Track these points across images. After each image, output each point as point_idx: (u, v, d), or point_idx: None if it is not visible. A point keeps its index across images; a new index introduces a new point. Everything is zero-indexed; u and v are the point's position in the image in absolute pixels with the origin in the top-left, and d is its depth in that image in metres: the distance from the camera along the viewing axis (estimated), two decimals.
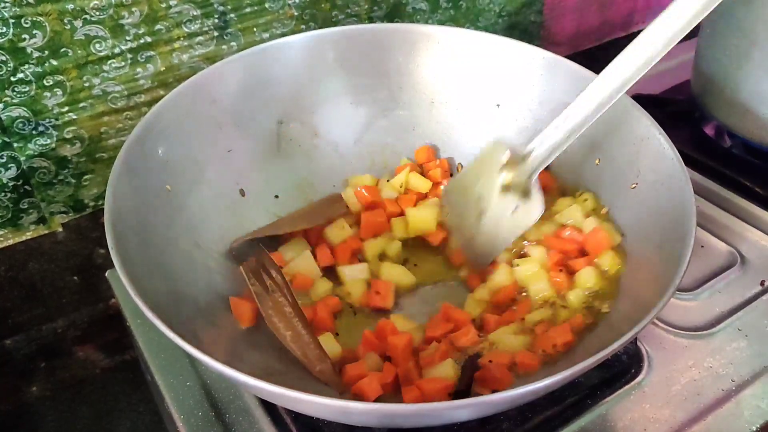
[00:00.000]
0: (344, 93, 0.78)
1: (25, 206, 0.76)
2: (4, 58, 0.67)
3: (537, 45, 0.74)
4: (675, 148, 0.62)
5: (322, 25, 0.85)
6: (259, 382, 0.45)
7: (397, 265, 0.70)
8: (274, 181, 0.74)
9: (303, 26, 0.84)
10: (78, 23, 0.69)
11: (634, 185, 0.65)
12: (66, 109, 0.73)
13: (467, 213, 0.69)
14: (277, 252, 0.70)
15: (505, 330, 0.61)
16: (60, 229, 0.80)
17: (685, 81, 0.96)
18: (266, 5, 0.80)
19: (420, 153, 0.79)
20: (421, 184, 0.76)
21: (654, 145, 0.64)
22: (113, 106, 0.75)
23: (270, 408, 0.60)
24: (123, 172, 0.59)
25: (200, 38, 0.77)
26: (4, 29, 0.66)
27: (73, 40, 0.70)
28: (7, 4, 0.65)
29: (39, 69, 0.69)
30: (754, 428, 0.59)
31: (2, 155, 0.72)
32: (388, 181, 0.77)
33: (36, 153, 0.73)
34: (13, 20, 0.66)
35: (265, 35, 0.82)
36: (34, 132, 0.72)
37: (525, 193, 0.65)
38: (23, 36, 0.67)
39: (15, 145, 0.72)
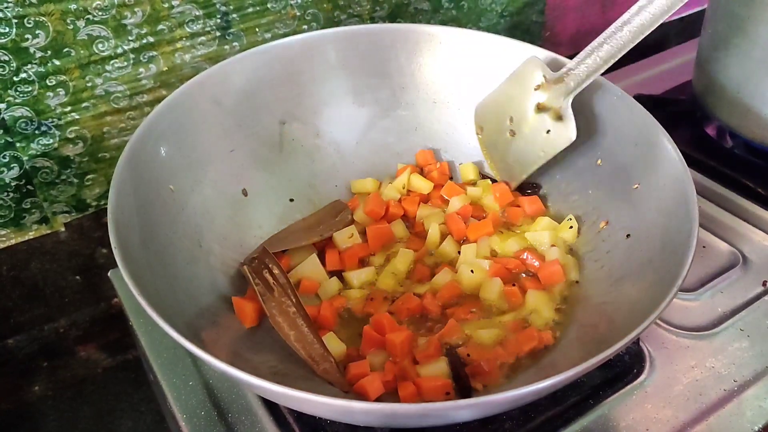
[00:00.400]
0: (346, 93, 0.78)
1: (28, 206, 0.76)
2: (7, 58, 0.67)
3: (539, 45, 0.74)
4: (677, 149, 0.62)
5: (324, 26, 0.85)
6: (261, 382, 0.45)
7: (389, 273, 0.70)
8: (276, 181, 0.74)
9: (305, 26, 0.84)
10: (81, 23, 0.69)
11: (636, 186, 0.65)
12: (69, 109, 0.73)
13: (500, 132, 0.70)
14: (284, 256, 0.70)
15: (477, 324, 0.62)
16: (62, 229, 0.80)
17: (687, 81, 0.96)
18: (268, 5, 0.80)
19: (420, 156, 0.80)
20: (423, 185, 0.76)
21: (656, 146, 0.64)
22: (116, 106, 0.76)
23: (272, 407, 0.60)
24: (126, 172, 0.59)
25: (202, 38, 0.77)
26: (7, 29, 0.66)
27: (75, 40, 0.70)
28: (10, 4, 0.65)
29: (42, 69, 0.69)
30: (756, 428, 0.59)
31: (5, 155, 0.72)
32: (390, 183, 0.77)
33: (38, 153, 0.73)
34: (16, 20, 0.66)
35: (268, 35, 0.82)
36: (36, 132, 0.72)
37: (558, 116, 0.66)
38: (26, 36, 0.67)
39: (18, 144, 0.72)
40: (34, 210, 0.77)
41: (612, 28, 0.63)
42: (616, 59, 0.64)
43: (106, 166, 0.78)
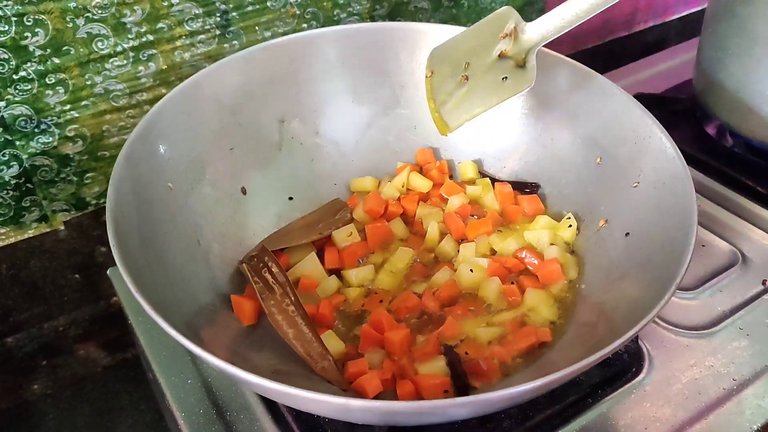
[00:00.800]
0: (346, 92, 0.78)
1: (27, 204, 0.76)
2: (6, 56, 0.67)
3: None
4: (677, 147, 0.62)
5: (324, 24, 0.85)
6: (260, 380, 0.45)
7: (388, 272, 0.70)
8: (275, 180, 0.74)
9: (304, 25, 0.84)
10: (80, 21, 0.69)
11: (635, 184, 0.65)
12: (68, 107, 0.73)
13: (453, 76, 0.69)
14: (283, 254, 0.70)
15: (475, 322, 0.62)
16: (62, 227, 0.80)
17: (687, 80, 0.96)
18: (268, 4, 0.80)
19: (419, 155, 0.80)
20: (422, 184, 0.76)
21: (656, 144, 0.64)
22: (115, 105, 0.76)
23: (271, 405, 0.60)
24: (125, 170, 0.59)
25: (202, 37, 0.77)
26: (7, 27, 0.66)
27: (75, 38, 0.70)
28: (9, 2, 0.65)
29: (41, 67, 0.69)
30: (755, 427, 0.59)
31: (4, 153, 0.72)
32: (389, 181, 0.77)
33: (38, 151, 0.73)
34: (15, 18, 0.66)
35: (267, 34, 0.82)
36: (36, 130, 0.72)
37: (519, 65, 0.65)
38: (25, 34, 0.67)
39: (17, 143, 0.72)
40: (33, 208, 0.77)
41: None
42: (591, 16, 0.62)
43: (105, 164, 0.78)
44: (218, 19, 0.77)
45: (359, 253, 0.70)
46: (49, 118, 0.72)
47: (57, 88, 0.71)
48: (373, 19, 0.89)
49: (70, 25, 0.69)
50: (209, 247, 0.66)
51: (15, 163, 0.73)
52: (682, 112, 0.93)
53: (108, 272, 0.76)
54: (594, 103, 0.70)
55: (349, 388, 0.57)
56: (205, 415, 0.60)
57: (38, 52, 0.68)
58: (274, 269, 0.63)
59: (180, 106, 0.67)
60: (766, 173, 0.83)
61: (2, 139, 0.71)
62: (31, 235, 0.78)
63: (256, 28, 0.81)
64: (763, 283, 0.72)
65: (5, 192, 0.74)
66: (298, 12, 0.82)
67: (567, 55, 0.73)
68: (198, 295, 0.61)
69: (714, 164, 0.86)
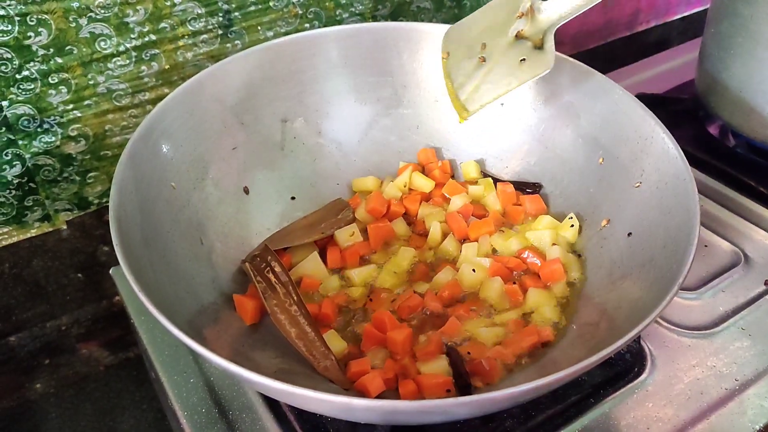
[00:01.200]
0: (348, 91, 0.78)
1: (30, 204, 0.76)
2: (9, 56, 0.67)
3: None
4: (679, 148, 0.62)
5: (326, 24, 0.85)
6: (262, 379, 0.45)
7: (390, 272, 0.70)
8: (277, 179, 0.74)
9: (307, 25, 0.84)
10: (83, 21, 0.69)
11: (637, 184, 0.65)
12: (71, 106, 0.73)
13: (469, 58, 0.68)
14: (286, 253, 0.70)
15: (477, 322, 0.62)
16: (64, 227, 0.80)
17: (690, 80, 0.96)
18: (270, 4, 0.80)
19: (421, 154, 0.80)
20: (425, 184, 0.76)
21: (658, 144, 0.64)
22: (118, 104, 0.76)
23: (273, 405, 0.61)
24: (127, 170, 0.59)
25: (205, 36, 0.78)
26: (10, 27, 0.66)
27: (78, 38, 0.70)
28: (13, 2, 0.65)
29: (44, 67, 0.69)
30: (758, 427, 0.59)
31: (7, 153, 0.72)
32: (391, 181, 0.77)
33: (41, 150, 0.73)
34: (18, 18, 0.66)
35: (270, 33, 0.82)
36: (39, 129, 0.72)
37: (537, 46, 0.65)
38: (28, 34, 0.67)
39: (20, 142, 0.72)
40: (36, 208, 0.77)
41: None
42: None
43: (108, 163, 0.78)
44: (221, 18, 0.77)
45: (361, 253, 0.70)
46: (52, 118, 0.72)
47: (60, 87, 0.71)
48: (375, 19, 0.89)
49: (73, 24, 0.69)
50: (212, 246, 0.66)
51: (18, 162, 0.73)
52: (684, 112, 0.93)
53: (110, 271, 0.76)
54: (596, 103, 0.70)
55: (351, 387, 0.57)
56: (207, 415, 0.60)
57: (41, 52, 0.69)
58: (277, 269, 0.63)
59: (183, 106, 0.67)
60: None
61: (5, 138, 0.71)
62: (33, 235, 0.79)
63: (259, 27, 0.81)
64: (766, 283, 0.72)
65: (8, 191, 0.74)
66: (300, 12, 0.82)
67: (569, 55, 0.73)
68: (200, 295, 0.61)
69: (716, 164, 0.86)
